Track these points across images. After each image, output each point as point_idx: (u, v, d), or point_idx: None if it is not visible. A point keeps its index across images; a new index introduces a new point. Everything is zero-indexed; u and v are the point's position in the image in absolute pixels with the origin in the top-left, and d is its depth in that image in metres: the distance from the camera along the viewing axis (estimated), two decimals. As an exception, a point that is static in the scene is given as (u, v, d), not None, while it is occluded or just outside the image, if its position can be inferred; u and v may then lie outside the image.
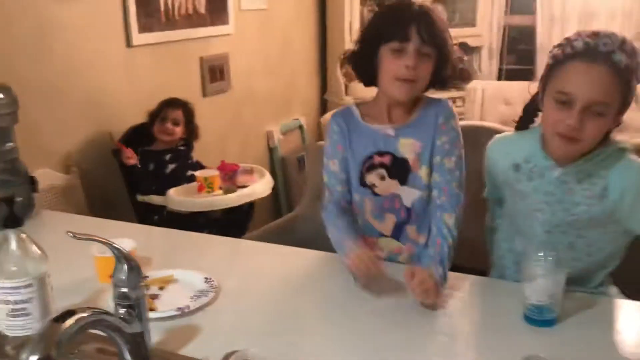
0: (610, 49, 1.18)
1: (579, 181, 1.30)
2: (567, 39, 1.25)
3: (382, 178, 1.50)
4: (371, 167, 1.50)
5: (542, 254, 1.18)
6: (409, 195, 1.49)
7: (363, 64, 1.47)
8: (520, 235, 1.43)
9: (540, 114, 1.36)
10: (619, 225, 1.33)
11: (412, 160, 1.47)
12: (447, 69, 1.45)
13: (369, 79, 1.48)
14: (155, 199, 2.52)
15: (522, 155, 1.38)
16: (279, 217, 3.83)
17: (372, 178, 1.50)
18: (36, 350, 0.79)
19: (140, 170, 2.53)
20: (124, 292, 1.01)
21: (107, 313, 0.95)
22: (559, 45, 1.26)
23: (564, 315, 1.20)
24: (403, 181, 1.48)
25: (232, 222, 2.65)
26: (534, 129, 1.39)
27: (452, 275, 1.38)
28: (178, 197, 2.43)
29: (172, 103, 2.66)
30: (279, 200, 3.96)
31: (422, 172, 1.47)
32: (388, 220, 1.53)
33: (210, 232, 2.37)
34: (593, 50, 1.19)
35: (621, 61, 1.18)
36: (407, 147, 1.47)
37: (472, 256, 1.60)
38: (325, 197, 1.57)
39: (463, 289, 1.36)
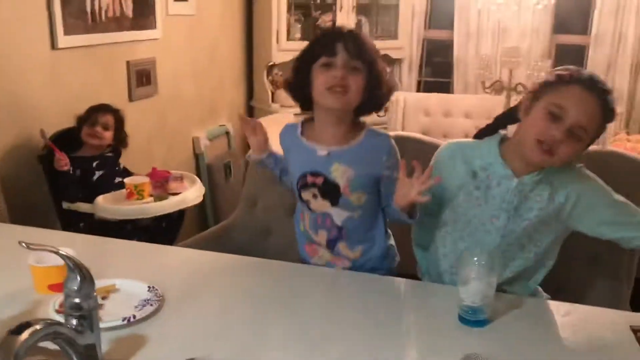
0: (607, 89, 1.36)
1: (532, 189, 1.43)
2: (573, 68, 1.39)
3: (315, 196, 1.57)
4: (305, 186, 1.57)
5: (475, 258, 1.26)
6: (340, 215, 1.57)
7: (299, 87, 1.53)
8: (469, 239, 1.50)
9: (508, 127, 1.49)
10: (562, 224, 1.46)
11: (343, 187, 1.53)
12: (381, 89, 1.51)
13: (306, 102, 1.54)
14: (82, 207, 2.45)
15: (480, 163, 1.47)
16: (205, 224, 3.83)
17: (306, 195, 1.58)
18: (-4, 363, 0.78)
19: (72, 177, 2.44)
20: (76, 303, 1.00)
21: (61, 324, 0.95)
22: (566, 69, 1.39)
23: (495, 315, 1.30)
24: (334, 203, 1.55)
25: (161, 230, 2.61)
26: (491, 139, 1.49)
27: (390, 280, 1.46)
28: (108, 205, 2.37)
29: (103, 108, 2.60)
30: (205, 207, 3.93)
31: (353, 197, 1.54)
32: (321, 235, 1.61)
33: (139, 240, 2.33)
34: (595, 84, 1.35)
35: (610, 103, 1.36)
36: (339, 172, 1.52)
37: (408, 263, 1.69)
38: None
39: (401, 294, 1.43)
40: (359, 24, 4.61)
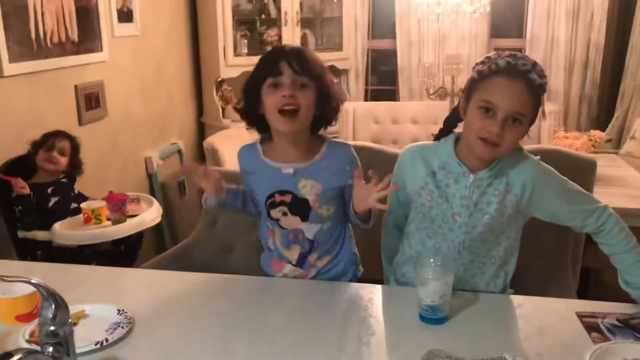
0: (527, 68, 1.37)
1: (489, 184, 1.48)
2: (490, 58, 1.42)
3: (285, 214, 1.59)
4: (274, 204, 1.59)
5: (432, 260, 1.34)
6: (311, 229, 1.60)
7: (251, 111, 1.55)
8: (434, 237, 1.55)
9: (459, 124, 1.53)
10: (520, 214, 1.52)
11: (312, 201, 1.57)
12: (331, 102, 1.55)
13: (261, 125, 1.57)
14: (39, 235, 2.42)
15: (437, 163, 1.52)
16: (163, 243, 3.82)
17: (275, 214, 1.60)
18: (-17, 395, 0.80)
19: (31, 201, 2.42)
20: (52, 330, 1.02)
21: (40, 352, 0.97)
22: (483, 63, 1.42)
23: (454, 312, 1.38)
24: (305, 218, 1.59)
25: (120, 253, 2.61)
26: (446, 140, 1.54)
27: (354, 286, 1.53)
28: (65, 231, 2.36)
29: (59, 133, 2.60)
30: (161, 226, 3.92)
31: (323, 210, 1.58)
32: (294, 250, 1.64)
33: (98, 265, 2.33)
34: (513, 68, 1.37)
35: (535, 79, 1.37)
36: (307, 188, 1.56)
37: (373, 270, 1.75)
38: None
39: (365, 298, 1.49)
40: (304, 37, 4.69)
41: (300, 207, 1.58)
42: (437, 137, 1.58)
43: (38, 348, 1.06)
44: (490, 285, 1.58)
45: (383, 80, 5.31)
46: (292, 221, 1.60)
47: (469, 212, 1.49)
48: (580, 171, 2.45)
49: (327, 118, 1.58)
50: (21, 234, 2.44)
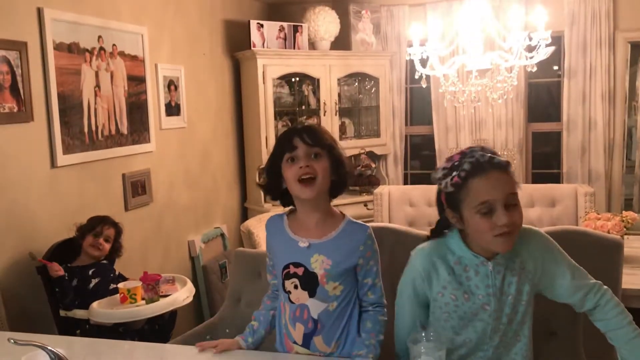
0: (489, 157, 1.43)
1: (507, 267, 1.51)
2: (447, 168, 1.46)
3: (296, 287, 1.66)
4: (288, 275, 1.67)
5: (423, 334, 1.39)
6: (316, 307, 1.65)
7: (274, 186, 1.68)
8: (463, 332, 1.54)
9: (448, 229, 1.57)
10: (533, 290, 1.53)
11: (320, 276, 1.64)
12: (345, 167, 1.67)
13: (285, 197, 1.69)
14: (78, 313, 2.58)
15: (453, 259, 1.53)
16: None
17: (288, 285, 1.68)
18: None
19: (67, 282, 2.59)
20: (59, 393, 1.13)
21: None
22: (446, 176, 1.46)
23: (449, 388, 1.41)
24: (312, 293, 1.65)
25: (154, 332, 2.72)
26: (451, 235, 1.55)
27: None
28: (101, 309, 2.50)
29: (105, 220, 2.80)
30: (202, 308, 4.03)
31: (329, 286, 1.64)
32: (298, 329, 1.68)
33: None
34: (478, 164, 1.42)
35: (501, 162, 1.44)
36: (318, 263, 1.63)
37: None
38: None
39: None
40: (342, 125, 4.91)
41: (309, 282, 1.64)
42: (431, 238, 1.61)
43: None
44: None
45: (425, 164, 5.44)
46: (300, 295, 1.66)
47: (496, 299, 1.51)
48: (606, 251, 2.45)
49: (341, 183, 1.68)
50: (62, 312, 2.60)
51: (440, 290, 1.54)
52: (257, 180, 4.58)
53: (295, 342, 1.69)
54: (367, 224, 1.71)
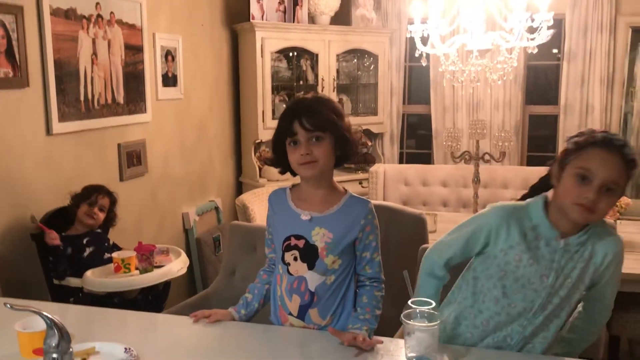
0: (622, 144, 1.47)
1: (577, 250, 1.54)
2: (587, 131, 1.51)
3: (295, 259, 1.68)
4: (288, 247, 1.69)
5: (418, 310, 1.40)
6: (314, 280, 1.67)
7: (279, 161, 1.70)
8: (514, 296, 1.57)
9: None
10: (591, 282, 1.57)
11: (320, 249, 1.66)
12: (349, 146, 1.67)
13: (287, 169, 1.71)
14: (72, 281, 2.58)
15: (529, 224, 1.56)
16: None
17: (288, 257, 1.69)
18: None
19: (62, 252, 2.59)
20: (54, 358, 1.13)
21: (39, 376, 1.08)
22: (581, 134, 1.51)
23: (440, 364, 1.42)
24: (311, 266, 1.67)
25: (148, 302, 2.73)
26: (535, 201, 1.59)
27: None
28: (95, 278, 2.50)
29: (101, 190, 2.79)
30: (194, 281, 4.05)
31: (328, 260, 1.66)
32: (294, 301, 1.70)
33: (126, 312, 2.45)
34: (610, 141, 1.47)
35: (629, 154, 1.47)
36: (319, 236, 1.66)
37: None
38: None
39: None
40: (340, 102, 4.89)
41: (309, 254, 1.67)
42: (523, 199, 1.66)
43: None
44: (547, 350, 1.61)
45: (421, 144, 5.43)
46: (300, 267, 1.68)
47: (556, 276, 1.55)
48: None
49: (347, 156, 1.68)
50: (56, 281, 2.61)
51: (506, 248, 1.57)
52: (253, 154, 4.57)
53: (290, 314, 1.71)
54: (369, 200, 1.72)
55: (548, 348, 1.61)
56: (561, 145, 4.82)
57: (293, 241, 1.68)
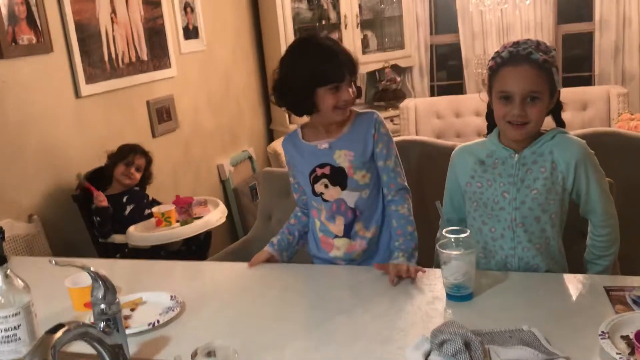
0: (529, 51, 1.49)
1: (534, 162, 1.58)
2: (497, 52, 1.56)
3: (326, 186, 1.75)
4: (316, 179, 1.76)
5: (453, 239, 1.40)
6: (351, 197, 1.74)
7: (301, 103, 1.70)
8: (489, 221, 1.63)
9: None
10: (566, 192, 1.58)
11: (347, 168, 1.72)
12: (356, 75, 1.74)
13: (308, 112, 1.72)
14: (117, 238, 2.66)
15: (485, 152, 1.64)
16: (236, 245, 4.02)
17: (319, 187, 1.76)
18: (36, 355, 0.95)
19: (109, 213, 2.66)
20: (102, 309, 1.18)
21: (90, 326, 1.12)
22: (492, 58, 1.57)
23: (480, 290, 1.43)
24: (344, 187, 1.74)
25: (191, 252, 2.81)
26: (491, 134, 1.66)
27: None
28: (138, 233, 2.58)
29: (136, 149, 2.83)
30: (236, 230, 4.13)
31: (358, 176, 1.73)
32: (338, 221, 1.77)
33: (172, 264, 2.52)
34: (515, 55, 1.51)
35: (538, 58, 1.48)
36: (342, 158, 1.72)
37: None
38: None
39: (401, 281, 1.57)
40: (365, 38, 4.79)
41: (339, 176, 1.73)
42: (488, 133, 1.69)
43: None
44: (552, 267, 1.61)
45: (452, 75, 5.31)
46: (333, 192, 1.74)
47: (516, 188, 1.58)
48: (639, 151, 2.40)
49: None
50: (101, 239, 2.69)
51: (469, 180, 1.65)
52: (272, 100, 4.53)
53: (336, 237, 1.77)
54: (374, 110, 1.81)
55: (552, 266, 1.61)
56: (598, 64, 4.64)
57: (319, 171, 1.74)
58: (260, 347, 1.29)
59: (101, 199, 2.65)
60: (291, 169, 1.84)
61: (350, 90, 1.67)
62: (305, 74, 1.65)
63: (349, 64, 1.67)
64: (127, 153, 2.82)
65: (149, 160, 2.90)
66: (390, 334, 1.29)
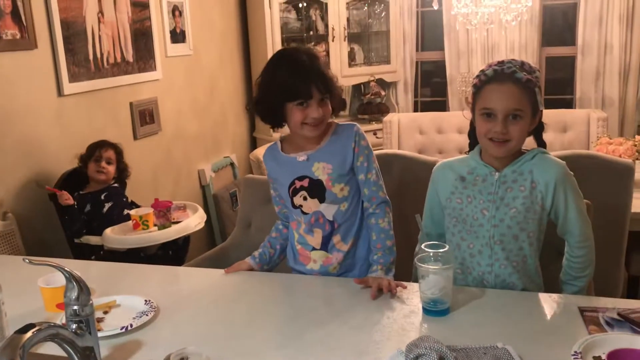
0: (513, 70, 1.53)
1: (514, 180, 1.59)
2: (481, 70, 1.59)
3: (305, 198, 1.74)
4: (295, 191, 1.75)
5: (432, 253, 1.40)
6: (329, 210, 1.74)
7: (271, 115, 1.71)
8: (468, 237, 1.64)
9: None
10: (545, 212, 1.60)
11: (325, 181, 1.72)
12: (337, 96, 1.72)
13: (277, 125, 1.73)
14: (92, 239, 2.62)
15: (466, 169, 1.66)
16: (214, 251, 3.99)
17: (297, 200, 1.75)
18: (4, 355, 0.93)
19: (76, 211, 2.63)
20: (75, 310, 1.16)
21: (62, 327, 1.10)
22: (477, 76, 1.60)
23: (457, 306, 1.44)
24: (322, 199, 1.73)
25: (169, 257, 2.78)
26: (473, 151, 1.67)
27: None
28: (114, 235, 2.54)
29: (102, 144, 2.80)
30: (214, 236, 4.10)
31: (336, 189, 1.72)
32: (316, 234, 1.76)
33: (147, 268, 2.49)
34: (500, 73, 1.54)
35: (522, 77, 1.52)
36: (320, 170, 1.72)
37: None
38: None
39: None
40: (352, 51, 4.81)
41: (317, 189, 1.72)
42: (470, 150, 1.71)
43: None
44: (529, 285, 1.62)
45: (436, 91, 5.35)
46: (312, 204, 1.74)
47: (495, 206, 1.59)
48: (617, 175, 2.43)
49: (339, 106, 1.75)
50: (77, 240, 2.65)
51: (449, 195, 1.66)
52: (247, 106, 4.51)
53: (313, 249, 1.77)
54: (354, 123, 1.79)
55: (528, 284, 1.62)
56: (579, 87, 4.72)
57: (297, 184, 1.74)
58: (234, 355, 1.28)
59: (65, 198, 2.61)
60: (272, 181, 1.84)
61: (320, 108, 1.63)
62: (275, 88, 1.65)
63: (322, 82, 1.63)
64: (94, 150, 2.79)
65: (118, 152, 2.85)
66: (366, 347, 1.29)
